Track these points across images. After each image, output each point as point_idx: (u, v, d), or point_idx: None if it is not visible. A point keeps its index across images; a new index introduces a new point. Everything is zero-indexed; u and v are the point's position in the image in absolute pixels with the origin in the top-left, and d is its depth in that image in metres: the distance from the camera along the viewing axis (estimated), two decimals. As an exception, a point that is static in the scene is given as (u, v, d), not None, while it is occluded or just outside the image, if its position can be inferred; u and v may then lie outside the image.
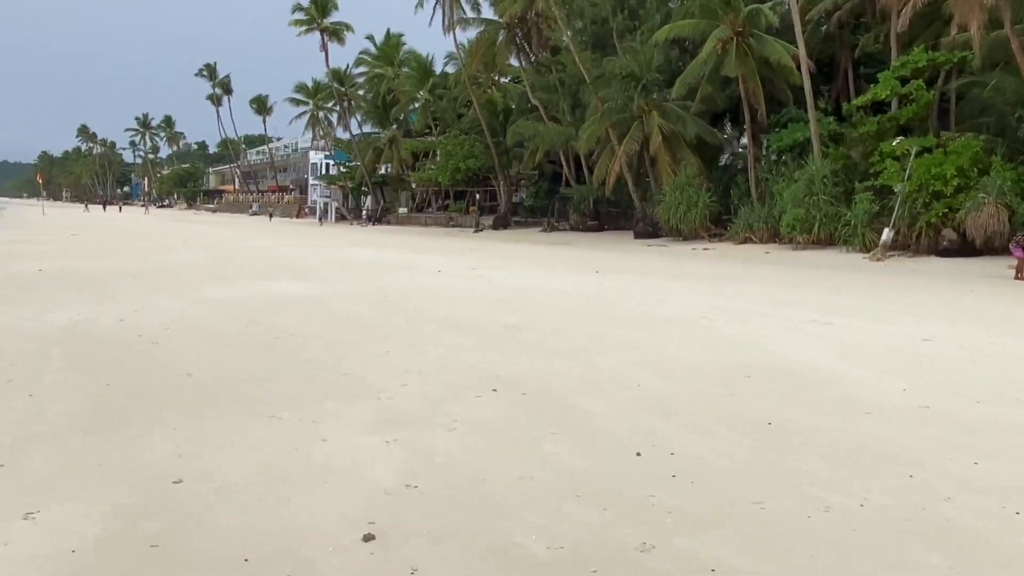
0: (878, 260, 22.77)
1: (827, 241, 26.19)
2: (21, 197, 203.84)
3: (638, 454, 4.64)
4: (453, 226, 54.21)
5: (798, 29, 27.95)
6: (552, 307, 11.04)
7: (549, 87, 43.63)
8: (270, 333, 8.58)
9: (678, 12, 35.07)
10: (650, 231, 37.52)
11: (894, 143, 24.82)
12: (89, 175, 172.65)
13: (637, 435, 4.99)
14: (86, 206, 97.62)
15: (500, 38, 46.04)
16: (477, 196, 54.59)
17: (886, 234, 23.44)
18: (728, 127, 39.57)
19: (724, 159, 39.85)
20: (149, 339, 8.04)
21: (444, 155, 53.49)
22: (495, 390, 6.19)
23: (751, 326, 9.58)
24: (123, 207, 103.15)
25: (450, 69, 59.21)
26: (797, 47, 28.13)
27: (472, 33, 50.55)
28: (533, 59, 47.30)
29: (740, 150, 40.08)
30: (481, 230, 48.42)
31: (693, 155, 35.39)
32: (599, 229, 43.93)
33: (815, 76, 29.23)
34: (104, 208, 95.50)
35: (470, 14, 48.21)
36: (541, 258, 23.36)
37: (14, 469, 4.28)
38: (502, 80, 55.60)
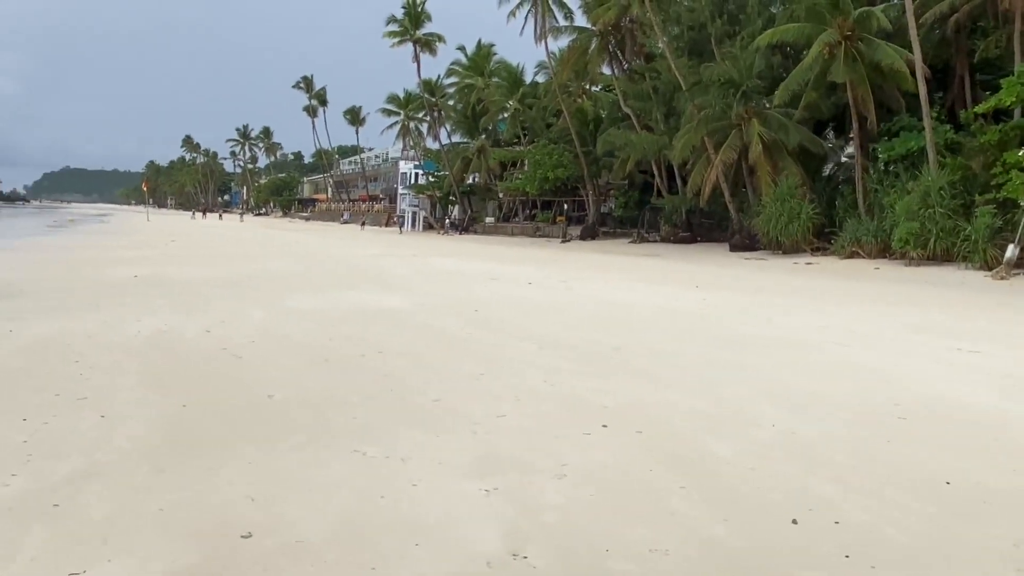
0: (1002, 279, 20.88)
1: (943, 257, 24.30)
2: (129, 204, 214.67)
3: (794, 522, 3.78)
4: (540, 236, 53.65)
5: (913, 32, 26.14)
6: (654, 325, 10.17)
7: (642, 95, 42.61)
8: (356, 348, 8.04)
9: (781, 17, 33.55)
10: (747, 243, 36.02)
11: (1020, 153, 22.88)
12: (192, 183, 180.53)
13: (787, 494, 4.12)
14: (193, 214, 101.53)
15: (592, 46, 45.29)
16: (565, 206, 53.88)
17: (1011, 251, 21.51)
18: (831, 136, 37.72)
19: (827, 169, 38.03)
20: (233, 352, 7.60)
21: (532, 164, 53.04)
22: (605, 426, 5.41)
23: (883, 353, 8.48)
24: (223, 215, 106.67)
25: (540, 78, 58.80)
26: (910, 51, 26.36)
27: (564, 42, 50.01)
28: (626, 67, 46.35)
29: (845, 160, 38.18)
30: (568, 240, 47.64)
31: (795, 164, 33.81)
32: (691, 241, 42.58)
33: (929, 83, 27.35)
34: (204, 215, 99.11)
35: (562, 23, 47.69)
36: (634, 270, 22.40)
37: (67, 512, 3.77)
38: (592, 89, 54.85)
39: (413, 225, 67.55)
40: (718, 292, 15.01)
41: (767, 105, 34.73)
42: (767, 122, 33.92)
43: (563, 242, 46.89)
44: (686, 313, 11.58)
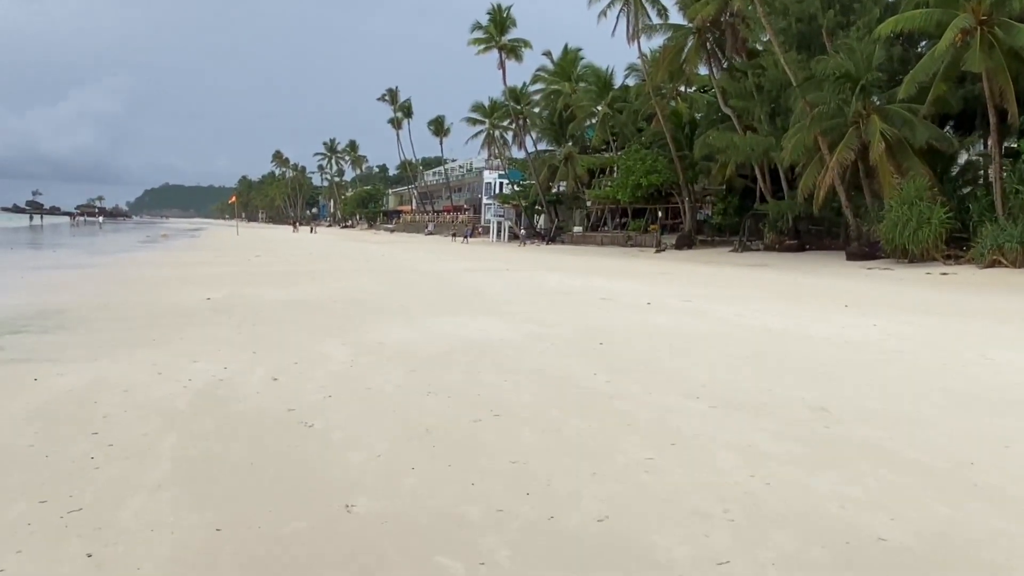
0: None
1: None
2: (223, 218, 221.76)
3: None
4: (632, 245, 51.09)
5: (1061, 13, 22.77)
6: (842, 368, 7.77)
7: (744, 94, 39.71)
8: (465, 409, 5.98)
9: (906, 2, 30.29)
10: (866, 251, 32.82)
11: None
12: (282, 197, 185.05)
13: None
14: (294, 227, 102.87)
15: (689, 44, 42.62)
16: (659, 213, 51.18)
17: None
18: (952, 132, 34.11)
19: (956, 169, 34.44)
20: (301, 418, 5.64)
21: (624, 171, 50.60)
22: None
23: None
24: (315, 228, 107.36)
25: (631, 81, 56.38)
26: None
27: (657, 41, 47.50)
28: (725, 65, 43.48)
29: (975, 158, 34.50)
30: (663, 250, 44.97)
31: (922, 164, 30.54)
32: (799, 249, 39.41)
33: (1081, 71, 23.93)
34: (295, 228, 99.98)
35: (656, 21, 45.19)
36: (756, 284, 19.76)
37: None
38: (687, 90, 52.10)
39: (499, 235, 65.86)
40: (879, 313, 12.40)
41: (889, 100, 31.64)
42: (889, 118, 30.79)
43: (657, 251, 44.27)
44: (866, 346, 9.11)
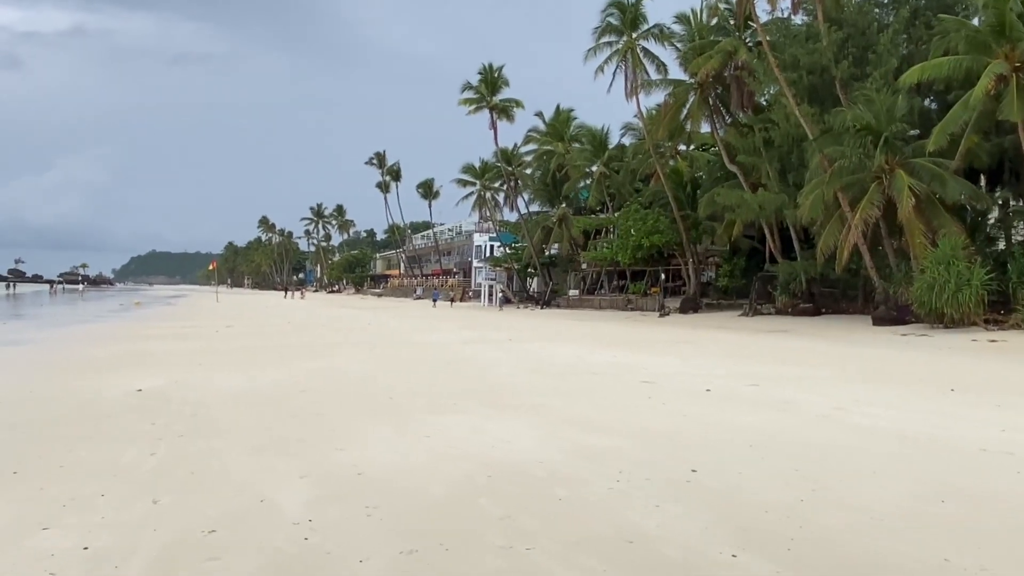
0: None
1: None
2: (209, 284, 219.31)
3: None
4: (632, 309, 48.38)
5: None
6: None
7: (752, 150, 37.62)
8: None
9: (935, 48, 28.41)
10: (894, 316, 30.26)
11: None
12: (268, 263, 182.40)
13: None
14: (286, 293, 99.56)
15: (691, 100, 40.75)
16: (662, 275, 48.62)
17: None
18: (988, 186, 32.05)
19: (988, 226, 32.26)
20: None
21: (623, 231, 48.27)
22: None
23: None
24: (304, 293, 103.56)
25: (626, 140, 54.63)
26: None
27: (655, 98, 45.79)
28: (729, 120, 41.58)
29: (1009, 213, 32.31)
30: (667, 314, 42.24)
31: (954, 222, 28.28)
32: (815, 313, 36.83)
33: None
34: (286, 294, 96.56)
35: (655, 76, 43.43)
36: (806, 360, 16.86)
37: None
38: (686, 149, 50.25)
39: (490, 299, 63.08)
40: (1005, 401, 9.58)
41: (913, 153, 29.65)
42: (916, 173, 28.61)
43: (661, 316, 41.54)
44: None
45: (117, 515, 4.91)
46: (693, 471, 6.00)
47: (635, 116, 48.04)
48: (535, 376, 12.46)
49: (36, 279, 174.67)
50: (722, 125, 41.42)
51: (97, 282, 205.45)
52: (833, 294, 38.11)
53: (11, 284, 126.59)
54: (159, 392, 10.32)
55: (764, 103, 38.73)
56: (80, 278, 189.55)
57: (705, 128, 43.66)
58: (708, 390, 10.62)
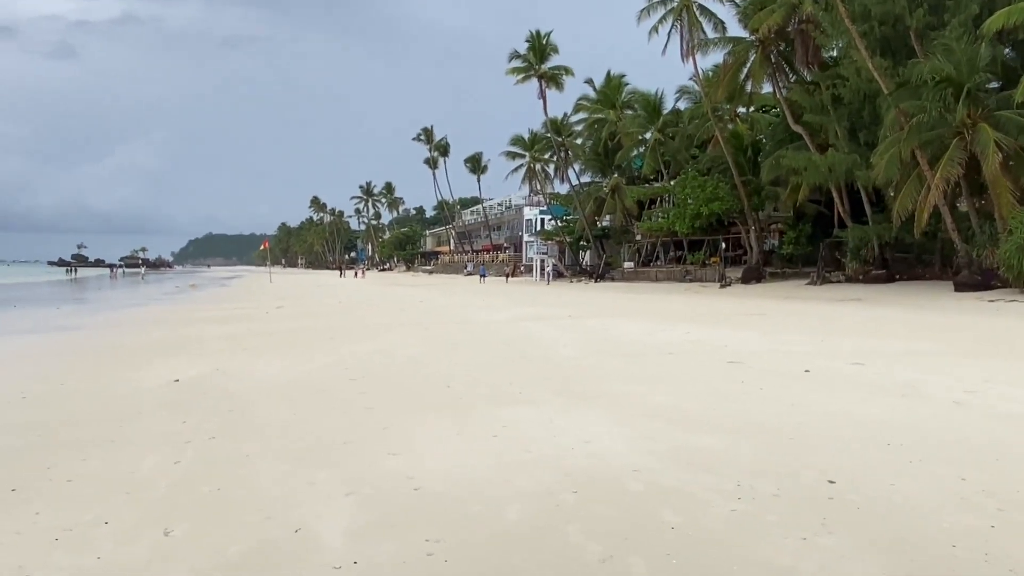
0: None
1: None
2: (264, 264, 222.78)
3: None
4: (690, 280, 46.68)
5: None
6: None
7: (819, 108, 35.50)
8: None
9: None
10: (978, 280, 28.30)
11: None
12: (320, 243, 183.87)
13: None
14: (342, 272, 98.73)
15: (751, 58, 38.62)
16: (722, 245, 46.72)
17: None
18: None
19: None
20: None
21: (681, 200, 46.46)
22: None
23: None
24: (358, 272, 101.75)
25: (682, 105, 52.51)
26: None
27: (713, 59, 43.66)
28: (793, 79, 39.35)
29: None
30: (728, 284, 40.52)
31: (1046, 178, 26.14)
32: (888, 280, 34.84)
33: None
34: (341, 273, 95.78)
35: (712, 35, 41.27)
36: (887, 331, 15.28)
37: None
38: (747, 111, 48.01)
39: (542, 274, 61.81)
40: None
41: (998, 106, 27.51)
42: (1002, 127, 26.49)
43: (722, 287, 39.84)
44: None
45: (116, 554, 3.91)
46: (831, 482, 4.77)
47: (691, 79, 46.04)
48: (605, 358, 11.25)
49: (98, 263, 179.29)
50: (785, 84, 39.24)
51: (157, 265, 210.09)
52: (907, 259, 36.05)
53: (71, 269, 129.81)
54: (197, 383, 9.44)
55: (831, 58, 36.49)
56: (140, 261, 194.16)
57: (767, 88, 41.51)
58: (807, 371, 9.30)
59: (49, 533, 4.21)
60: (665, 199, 53.91)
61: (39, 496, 4.91)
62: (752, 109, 47.57)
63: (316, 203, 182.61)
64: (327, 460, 5.66)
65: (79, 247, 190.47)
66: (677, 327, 15.91)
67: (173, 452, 5.97)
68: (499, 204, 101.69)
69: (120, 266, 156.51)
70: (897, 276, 35.28)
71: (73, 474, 5.40)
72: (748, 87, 40.12)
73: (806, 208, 40.75)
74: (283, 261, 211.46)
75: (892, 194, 31.26)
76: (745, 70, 39.17)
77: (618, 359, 11.07)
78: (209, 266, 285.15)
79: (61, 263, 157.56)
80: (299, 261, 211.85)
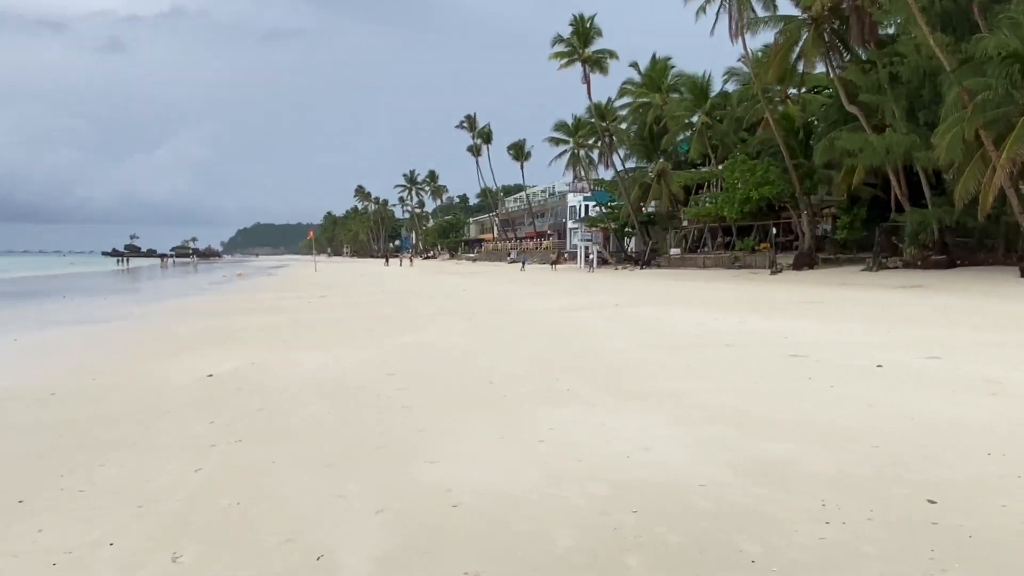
0: None
1: None
2: (310, 253, 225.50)
3: None
4: (739, 267, 45.46)
5: None
6: None
7: (875, 88, 34.05)
8: None
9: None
10: (1048, 266, 26.95)
11: None
12: (365, 231, 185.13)
13: None
14: (387, 261, 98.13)
15: (804, 37, 37.23)
16: (772, 230, 45.38)
17: None
18: None
19: None
20: None
21: (730, 184, 45.23)
22: None
23: None
24: (406, 260, 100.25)
25: (729, 87, 51.14)
26: None
27: (762, 38, 42.35)
28: (847, 58, 37.89)
29: None
30: (779, 271, 39.31)
31: (1125, 157, 24.59)
32: (948, 265, 33.38)
33: None
34: (386, 262, 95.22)
35: (762, 14, 39.91)
36: (956, 320, 14.33)
37: None
38: (798, 92, 46.50)
39: (586, 261, 60.97)
40: None
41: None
42: (1075, 104, 25.01)
43: (773, 273, 38.66)
44: None
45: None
46: (931, 502, 4.13)
47: (740, 60, 44.78)
48: (657, 351, 10.61)
49: (150, 253, 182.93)
50: (839, 63, 37.80)
51: (207, 255, 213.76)
52: (968, 244, 34.52)
53: (122, 259, 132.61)
54: (231, 377, 9.07)
55: (889, 35, 34.98)
56: (191, 251, 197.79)
57: (819, 68, 40.08)
58: (879, 366, 8.56)
59: (48, 556, 3.79)
60: (712, 184, 52.64)
61: (46, 509, 4.51)
62: (803, 90, 46.06)
63: (361, 192, 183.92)
64: (358, 468, 5.18)
65: (132, 238, 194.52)
66: (730, 316, 15.16)
67: (195, 458, 5.55)
68: (542, 191, 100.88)
69: (170, 256, 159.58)
70: (958, 262, 33.85)
71: (86, 483, 5.00)
72: (800, 67, 38.77)
73: (861, 191, 39.29)
74: (328, 250, 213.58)
75: (953, 176, 29.84)
76: (797, 49, 37.81)
77: (670, 352, 10.43)
78: (257, 255, 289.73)
79: (114, 253, 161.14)
80: (344, 250, 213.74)
